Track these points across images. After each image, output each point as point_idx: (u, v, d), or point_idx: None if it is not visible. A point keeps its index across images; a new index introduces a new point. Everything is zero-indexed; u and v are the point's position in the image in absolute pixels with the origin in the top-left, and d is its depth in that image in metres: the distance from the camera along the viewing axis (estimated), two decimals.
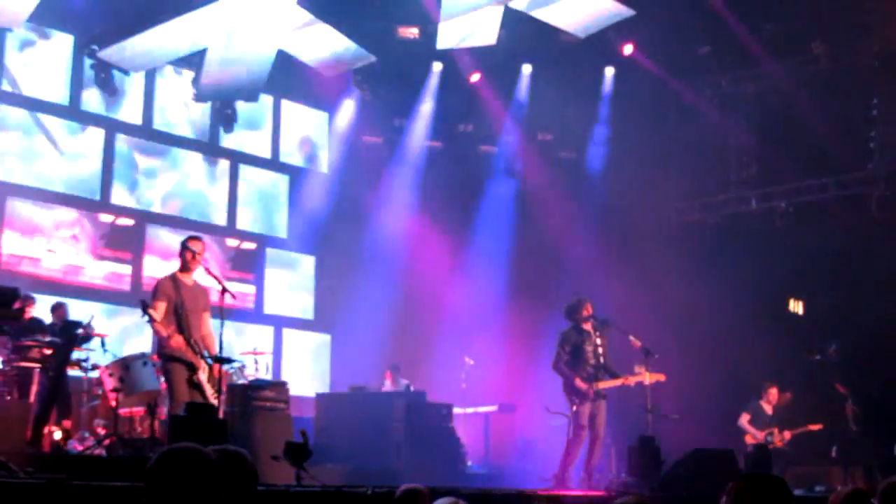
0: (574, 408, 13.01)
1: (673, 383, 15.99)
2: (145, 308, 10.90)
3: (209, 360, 10.99)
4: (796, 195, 18.81)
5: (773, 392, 16.89)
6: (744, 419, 16.69)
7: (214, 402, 10.90)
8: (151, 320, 10.86)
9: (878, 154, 17.84)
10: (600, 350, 13.30)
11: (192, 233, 12.09)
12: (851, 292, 17.73)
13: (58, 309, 14.35)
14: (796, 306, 20.06)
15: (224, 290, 10.91)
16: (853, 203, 18.09)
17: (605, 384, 13.18)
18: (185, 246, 11.25)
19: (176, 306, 10.98)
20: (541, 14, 17.88)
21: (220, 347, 10.91)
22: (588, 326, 13.34)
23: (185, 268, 11.21)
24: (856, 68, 18.03)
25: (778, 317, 19.25)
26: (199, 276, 11.35)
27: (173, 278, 11.19)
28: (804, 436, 17.14)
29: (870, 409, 16.56)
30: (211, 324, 11.24)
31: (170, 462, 3.52)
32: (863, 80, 17.87)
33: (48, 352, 12.35)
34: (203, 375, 10.95)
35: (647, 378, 13.18)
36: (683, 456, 12.56)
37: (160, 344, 11.11)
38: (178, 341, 10.90)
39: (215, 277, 11.13)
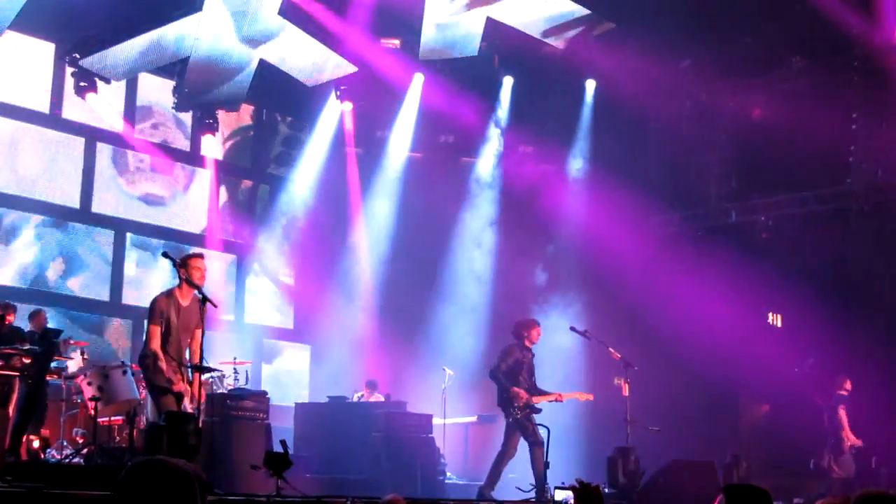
0: (511, 419, 13.25)
1: (652, 394, 16.05)
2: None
3: (190, 375, 10.91)
4: (776, 209, 18.86)
5: (849, 384, 16.46)
6: (843, 411, 16.26)
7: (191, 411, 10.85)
8: (149, 340, 10.76)
9: (857, 168, 17.91)
10: (534, 370, 13.76)
11: (197, 250, 11.83)
12: (830, 306, 17.78)
13: (36, 316, 14.27)
14: (775, 319, 20.12)
15: (205, 300, 10.82)
16: (832, 217, 18.16)
17: (539, 399, 13.42)
18: (187, 266, 10.93)
19: (169, 325, 10.86)
20: (522, 26, 17.93)
21: (201, 357, 10.84)
22: (530, 347, 13.60)
23: (190, 285, 11.00)
24: (836, 83, 18.10)
25: (757, 330, 19.30)
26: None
27: (169, 296, 11.00)
28: (785, 446, 17.25)
29: (848, 423, 16.61)
30: (200, 338, 11.07)
31: (138, 475, 3.50)
32: (842, 94, 17.95)
33: (27, 360, 12.27)
34: (185, 399, 10.87)
35: (626, 390, 13.30)
36: (662, 467, 12.61)
37: (147, 367, 10.93)
38: (180, 387, 10.79)
39: (197, 287, 11.03)
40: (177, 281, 11.06)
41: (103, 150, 18.70)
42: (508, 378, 13.37)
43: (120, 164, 19.16)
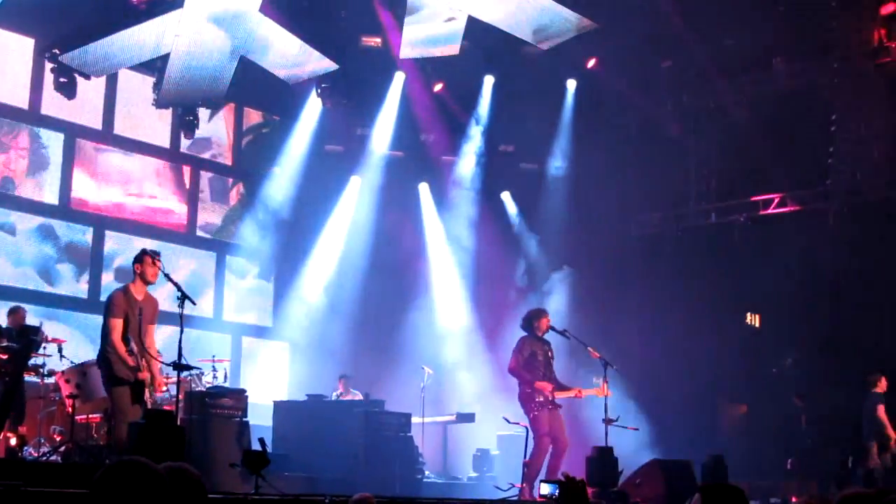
0: (532, 415, 13.07)
1: (631, 394, 16.08)
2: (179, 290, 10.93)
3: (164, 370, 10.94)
4: (755, 209, 18.94)
5: (884, 381, 15.84)
6: (881, 410, 15.60)
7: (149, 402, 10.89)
8: (109, 332, 10.74)
9: (835, 170, 18.01)
10: (552, 362, 13.44)
11: (150, 248, 11.76)
12: (808, 306, 17.87)
13: (14, 313, 14.18)
14: (754, 319, 20.21)
15: (184, 297, 10.82)
16: (811, 218, 18.26)
17: (559, 395, 13.26)
18: (142, 262, 10.99)
19: (127, 320, 10.86)
20: (504, 25, 17.93)
21: (179, 354, 10.83)
22: (543, 337, 13.46)
23: (144, 282, 11.03)
24: (815, 85, 18.19)
25: (735, 329, 19.39)
26: (151, 287, 11.19)
27: (126, 291, 11.02)
28: (762, 446, 17.31)
29: (825, 422, 16.68)
30: (154, 336, 11.11)
31: (115, 476, 3.49)
32: (822, 96, 18.04)
33: (4, 357, 12.22)
34: (146, 391, 10.89)
35: (605, 389, 13.27)
36: (641, 466, 12.64)
37: (108, 360, 10.88)
38: (144, 375, 10.82)
39: (175, 284, 11.03)
40: (132, 277, 11.12)
41: (82, 146, 18.58)
42: (529, 371, 13.26)
43: (99, 160, 19.11)
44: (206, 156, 20.48)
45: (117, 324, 10.76)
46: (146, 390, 10.88)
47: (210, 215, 20.48)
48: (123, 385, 10.73)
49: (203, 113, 19.76)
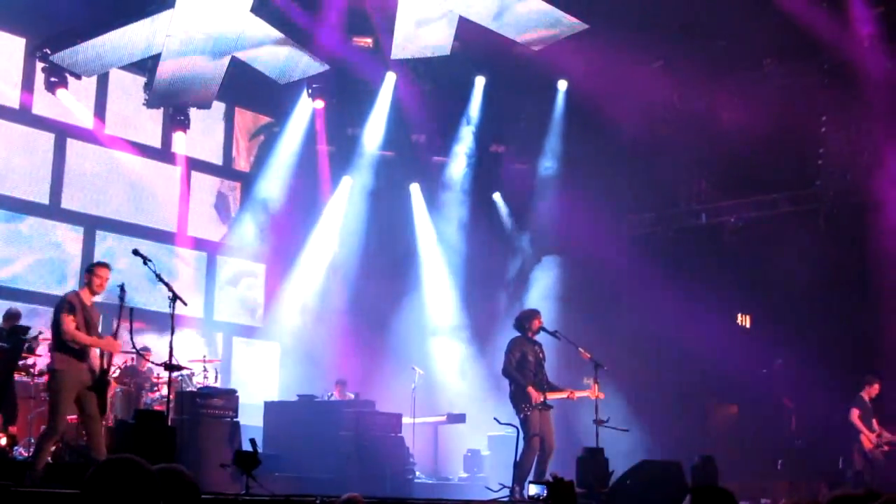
0: (522, 416, 13.06)
1: (621, 395, 16.08)
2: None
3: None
4: (745, 211, 18.95)
5: (876, 387, 16.05)
6: (855, 414, 15.83)
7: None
8: (66, 324, 10.77)
9: (826, 171, 18.02)
10: (543, 363, 13.44)
11: (104, 260, 11.83)
12: (798, 307, 17.88)
13: (12, 316, 14.13)
14: (744, 320, 20.22)
15: (175, 297, 10.83)
16: (801, 219, 18.26)
17: (551, 396, 13.27)
18: (92, 272, 11.10)
19: (85, 320, 10.89)
20: (495, 26, 17.94)
21: (170, 354, 10.85)
22: (535, 338, 13.46)
23: (91, 291, 11.08)
24: (805, 86, 18.20)
25: (726, 330, 19.39)
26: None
27: (77, 296, 11.11)
28: (753, 447, 17.33)
29: (815, 423, 16.69)
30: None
31: (106, 473, 3.49)
32: (812, 97, 18.05)
33: None
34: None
35: (595, 391, 13.26)
36: (631, 467, 12.64)
37: (69, 348, 10.86)
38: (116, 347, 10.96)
39: (166, 285, 11.06)
40: (84, 281, 11.23)
41: (73, 146, 18.54)
42: (520, 373, 13.26)
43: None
44: (201, 156, 20.45)
45: (72, 319, 10.80)
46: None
47: (201, 215, 20.44)
48: (69, 379, 10.71)
49: (198, 113, 19.75)
